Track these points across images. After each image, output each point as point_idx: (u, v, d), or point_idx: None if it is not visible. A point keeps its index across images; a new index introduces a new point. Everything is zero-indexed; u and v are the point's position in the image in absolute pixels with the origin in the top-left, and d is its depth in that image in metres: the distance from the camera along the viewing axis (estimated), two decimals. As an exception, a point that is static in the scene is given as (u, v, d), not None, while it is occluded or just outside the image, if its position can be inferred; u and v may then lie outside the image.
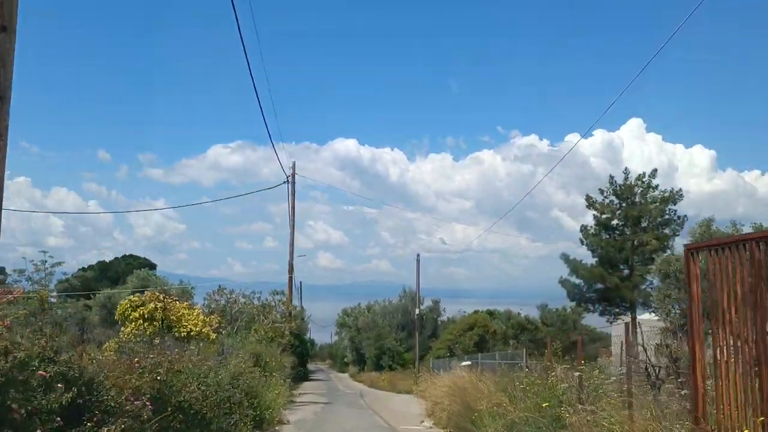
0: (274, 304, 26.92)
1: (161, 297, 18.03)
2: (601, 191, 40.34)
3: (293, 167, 33.61)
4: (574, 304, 57.24)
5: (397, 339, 51.10)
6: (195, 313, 19.18)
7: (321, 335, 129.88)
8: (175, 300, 19.43)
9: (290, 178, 33.39)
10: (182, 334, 18.18)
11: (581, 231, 40.22)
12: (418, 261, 33.09)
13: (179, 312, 18.73)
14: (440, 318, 53.93)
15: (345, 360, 74.73)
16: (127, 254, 73.72)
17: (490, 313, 50.41)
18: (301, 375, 54.75)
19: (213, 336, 18.48)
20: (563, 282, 40.34)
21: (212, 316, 19.42)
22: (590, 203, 40.16)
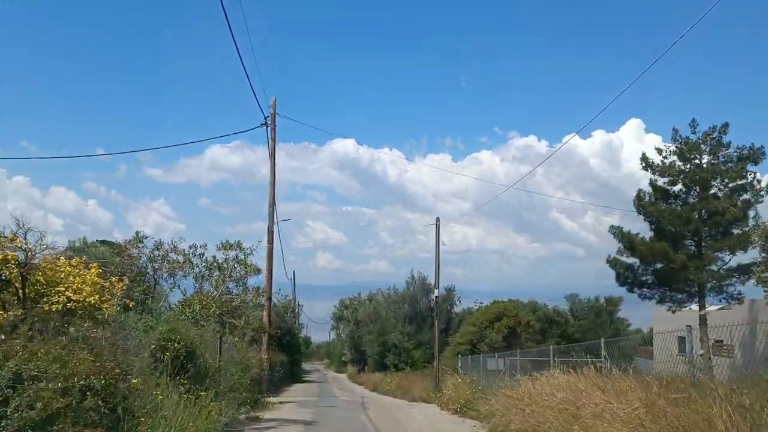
0: (228, 266, 18.70)
1: (12, 241, 10.29)
2: (659, 151, 32.61)
3: (273, 105, 25.80)
4: (611, 294, 49.60)
5: (403, 333, 43.32)
6: (89, 276, 11.33)
7: (319, 335, 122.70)
8: (56, 256, 11.60)
9: (269, 119, 25.58)
10: (56, 308, 10.50)
11: (636, 200, 32.41)
12: (437, 226, 25.29)
13: (59, 272, 10.98)
14: (454, 310, 46.06)
15: (343, 359, 66.93)
16: (99, 240, 65.82)
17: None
18: (290, 376, 47.06)
19: (109, 310, 10.69)
20: (612, 262, 32.54)
21: (115, 279, 11.51)
22: (646, 164, 32.36)
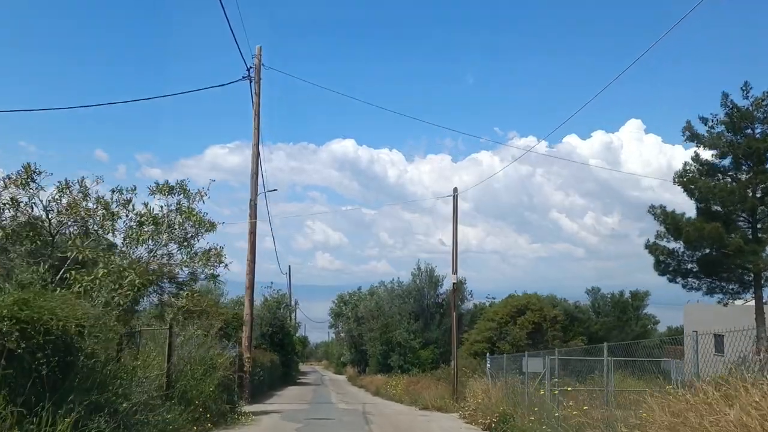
0: (169, 218, 13.56)
1: None
2: (704, 120, 28.33)
3: (258, 55, 21.49)
4: (637, 289, 45.21)
5: (409, 331, 38.96)
6: None
7: (318, 335, 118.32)
8: None
9: (253, 70, 21.27)
10: None
11: (677, 177, 28.14)
12: (455, 198, 20.95)
13: None
14: (464, 306, 41.67)
15: (342, 359, 62.60)
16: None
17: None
18: (283, 378, 42.77)
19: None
20: (652, 247, 28.26)
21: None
22: (691, 135, 28.09)
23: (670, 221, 26.98)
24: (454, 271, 20.79)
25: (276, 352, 41.03)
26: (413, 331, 39.47)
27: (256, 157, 21.44)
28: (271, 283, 44.98)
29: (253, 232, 20.98)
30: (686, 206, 30.00)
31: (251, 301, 21.31)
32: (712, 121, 28.21)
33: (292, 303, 56.66)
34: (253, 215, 20.88)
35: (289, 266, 58.94)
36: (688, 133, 28.35)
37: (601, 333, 39.01)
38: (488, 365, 19.74)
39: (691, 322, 37.95)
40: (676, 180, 28.34)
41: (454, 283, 21.14)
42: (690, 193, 27.33)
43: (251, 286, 21.13)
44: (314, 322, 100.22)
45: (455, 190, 20.91)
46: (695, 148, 27.97)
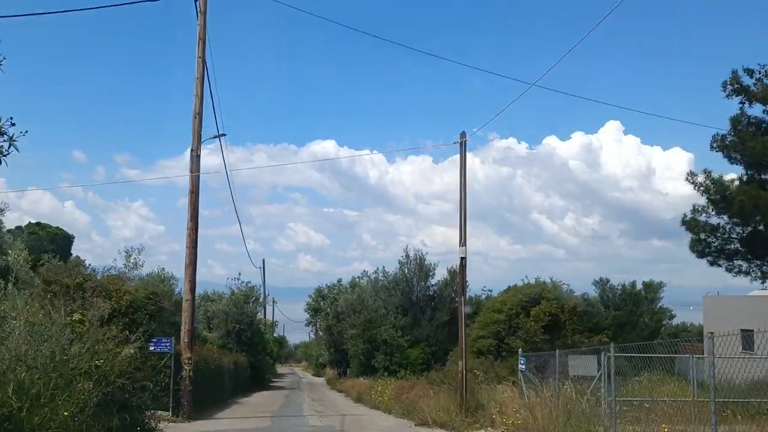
0: None
1: None
2: (749, 72, 23.62)
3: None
4: (651, 279, 40.33)
5: (396, 327, 33.83)
6: None
7: (300, 335, 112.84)
8: None
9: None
10: None
11: (716, 142, 23.39)
12: (462, 145, 15.80)
13: None
14: (460, 298, 36.63)
15: (320, 360, 57.34)
16: (33, 221, 55.60)
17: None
18: (252, 381, 37.45)
19: None
20: (690, 223, 23.45)
21: None
22: (737, 89, 23.30)
23: (718, 188, 22.19)
24: (462, 242, 15.71)
25: (243, 352, 35.71)
26: (401, 327, 34.36)
27: (200, 94, 16.18)
28: (239, 274, 39.70)
29: (194, 191, 15.72)
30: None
31: (192, 283, 16.06)
32: (760, 73, 23.63)
33: (264, 298, 51.30)
34: (195, 168, 15.60)
35: (263, 260, 53.72)
36: (733, 86, 23.58)
37: (613, 329, 34.27)
38: (522, 366, 14.69)
39: (712, 318, 33.39)
40: (715, 145, 23.65)
41: (462, 258, 15.99)
42: (742, 155, 22.55)
43: (192, 263, 15.88)
44: (294, 322, 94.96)
45: (463, 134, 15.83)
46: (741, 105, 23.38)
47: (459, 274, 17.03)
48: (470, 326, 28.52)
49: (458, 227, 16.48)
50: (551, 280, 25.88)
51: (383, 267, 37.24)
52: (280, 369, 79.92)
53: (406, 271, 35.87)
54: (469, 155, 16.40)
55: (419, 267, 35.79)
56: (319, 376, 59.03)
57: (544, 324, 23.02)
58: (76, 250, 56.49)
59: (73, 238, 61.06)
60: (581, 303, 33.92)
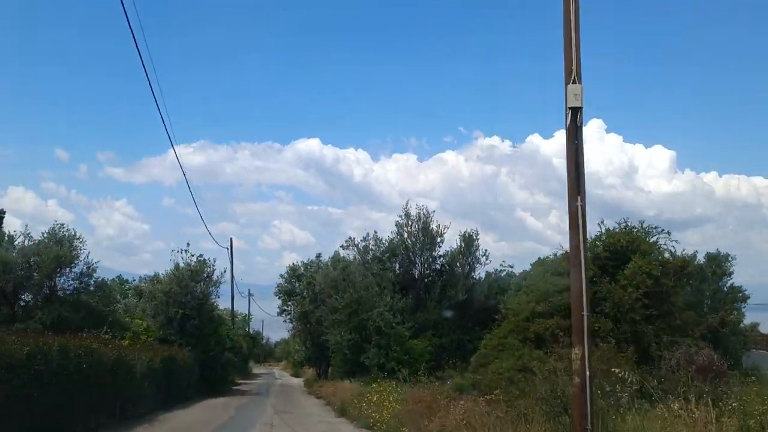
0: None
1: None
2: None
3: None
4: (717, 250, 31.64)
5: (393, 311, 24.94)
6: None
7: (283, 333, 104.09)
8: None
9: None
10: None
11: None
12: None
13: None
14: (475, 274, 27.75)
15: (296, 357, 48.31)
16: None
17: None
18: (200, 386, 28.43)
19: None
20: None
21: None
22: None
23: None
24: (575, 78, 6.83)
25: (188, 346, 26.69)
26: (399, 310, 25.50)
27: None
28: (188, 244, 30.73)
29: None
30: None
31: None
32: None
33: (233, 284, 42.17)
34: None
35: (231, 239, 44.54)
36: None
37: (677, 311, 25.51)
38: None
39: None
40: None
41: (573, 110, 7.18)
42: None
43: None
44: (274, 318, 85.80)
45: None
46: None
47: (569, 141, 7.96)
48: (504, 306, 19.65)
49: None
50: (641, 224, 16.89)
51: (375, 232, 28.22)
52: (258, 369, 70.59)
53: (406, 236, 26.96)
54: (452, 154, 7.83)
55: (423, 231, 26.85)
56: (298, 377, 50.12)
57: (641, 293, 14.20)
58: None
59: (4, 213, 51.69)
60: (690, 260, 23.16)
